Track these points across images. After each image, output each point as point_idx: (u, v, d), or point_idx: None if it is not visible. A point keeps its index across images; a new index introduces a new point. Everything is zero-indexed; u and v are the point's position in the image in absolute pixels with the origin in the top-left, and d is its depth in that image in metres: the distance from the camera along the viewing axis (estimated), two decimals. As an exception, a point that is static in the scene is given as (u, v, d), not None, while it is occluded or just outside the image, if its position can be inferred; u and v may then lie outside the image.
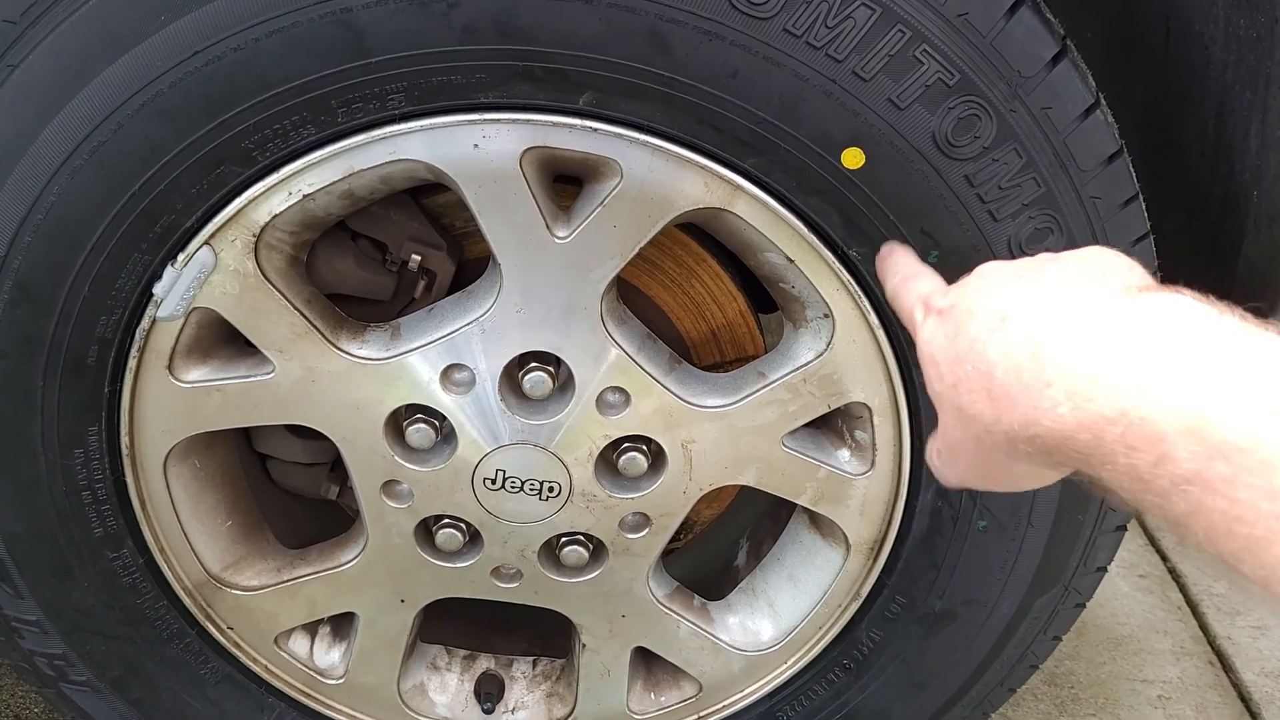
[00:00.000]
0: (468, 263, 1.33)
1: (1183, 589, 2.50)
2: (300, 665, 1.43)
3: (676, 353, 1.33)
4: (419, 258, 1.27)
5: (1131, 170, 1.16)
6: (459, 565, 1.36)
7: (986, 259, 1.09)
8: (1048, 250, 1.10)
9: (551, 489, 1.29)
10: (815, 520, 1.40)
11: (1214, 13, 1.26)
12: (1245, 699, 2.19)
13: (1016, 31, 1.06)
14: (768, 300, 1.42)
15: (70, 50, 1.02)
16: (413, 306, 1.30)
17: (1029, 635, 1.39)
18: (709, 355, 1.41)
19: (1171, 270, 1.40)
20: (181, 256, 1.13)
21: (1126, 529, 1.36)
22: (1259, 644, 2.33)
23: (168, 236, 1.12)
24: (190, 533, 1.32)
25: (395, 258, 1.28)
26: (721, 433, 1.27)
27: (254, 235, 1.14)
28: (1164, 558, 2.61)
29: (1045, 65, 1.08)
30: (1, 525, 1.24)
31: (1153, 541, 2.66)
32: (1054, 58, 1.08)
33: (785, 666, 1.44)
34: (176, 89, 1.03)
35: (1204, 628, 2.38)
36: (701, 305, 1.38)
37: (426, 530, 1.35)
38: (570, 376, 1.24)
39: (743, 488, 1.55)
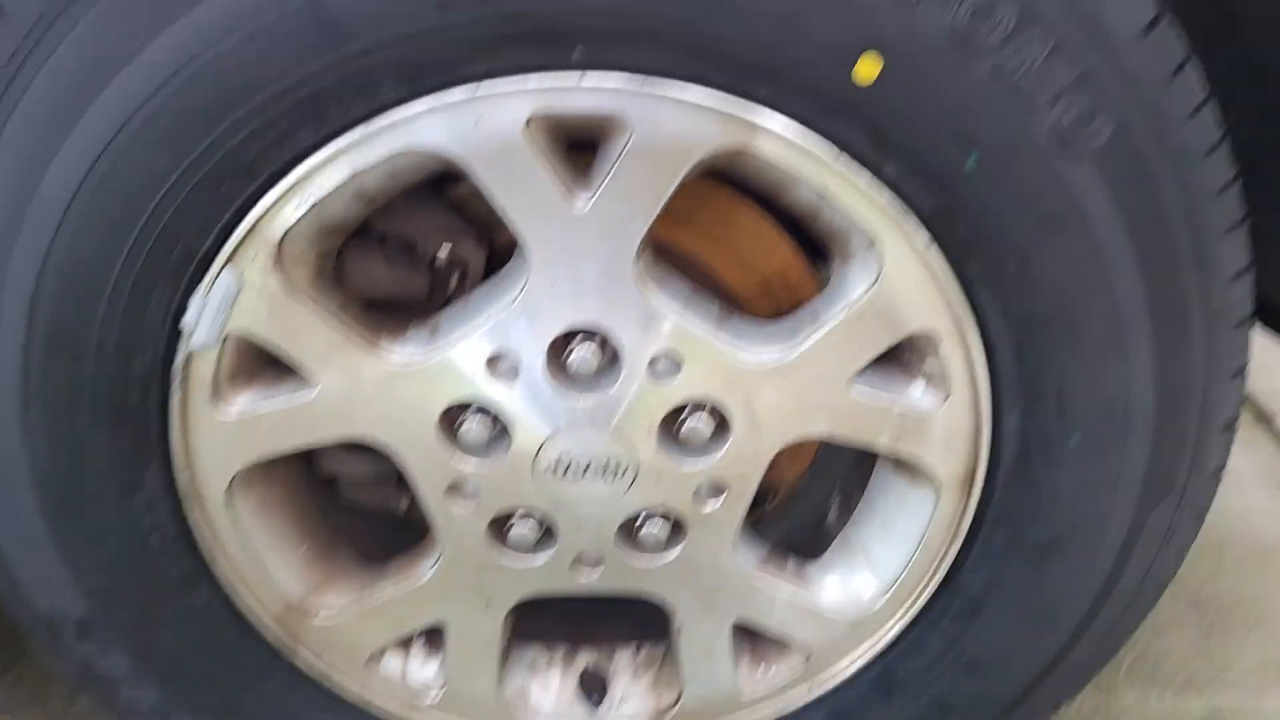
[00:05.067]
0: (499, 249, 1.29)
1: (1327, 492, 2.35)
2: (398, 684, 1.41)
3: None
4: (447, 248, 1.24)
5: (1177, 36, 1.06)
6: (537, 560, 1.32)
7: (1025, 163, 1.03)
8: (1096, 136, 1.03)
9: (617, 468, 1.24)
10: (900, 462, 1.33)
11: None
12: None
13: (1024, -97, 0.98)
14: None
15: (56, 92, 1.02)
16: (451, 301, 1.27)
17: (1149, 553, 1.30)
18: (764, 308, 1.35)
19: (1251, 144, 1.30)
20: (204, 282, 1.12)
21: (1237, 427, 1.26)
22: None
23: (187, 264, 1.10)
24: (266, 562, 1.31)
25: (425, 253, 1.25)
26: (784, 384, 1.21)
27: (274, 250, 1.12)
28: (1301, 462, 2.46)
29: (1062, -67, 1.00)
30: (78, 579, 1.24)
31: (1286, 446, 2.51)
32: (1067, -80, 1.00)
33: (894, 620, 1.37)
34: (165, 112, 1.01)
35: (1355, 529, 2.23)
36: (746, 255, 1.32)
37: (499, 528, 1.31)
38: (617, 347, 1.19)
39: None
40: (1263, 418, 2.61)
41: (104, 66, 1.00)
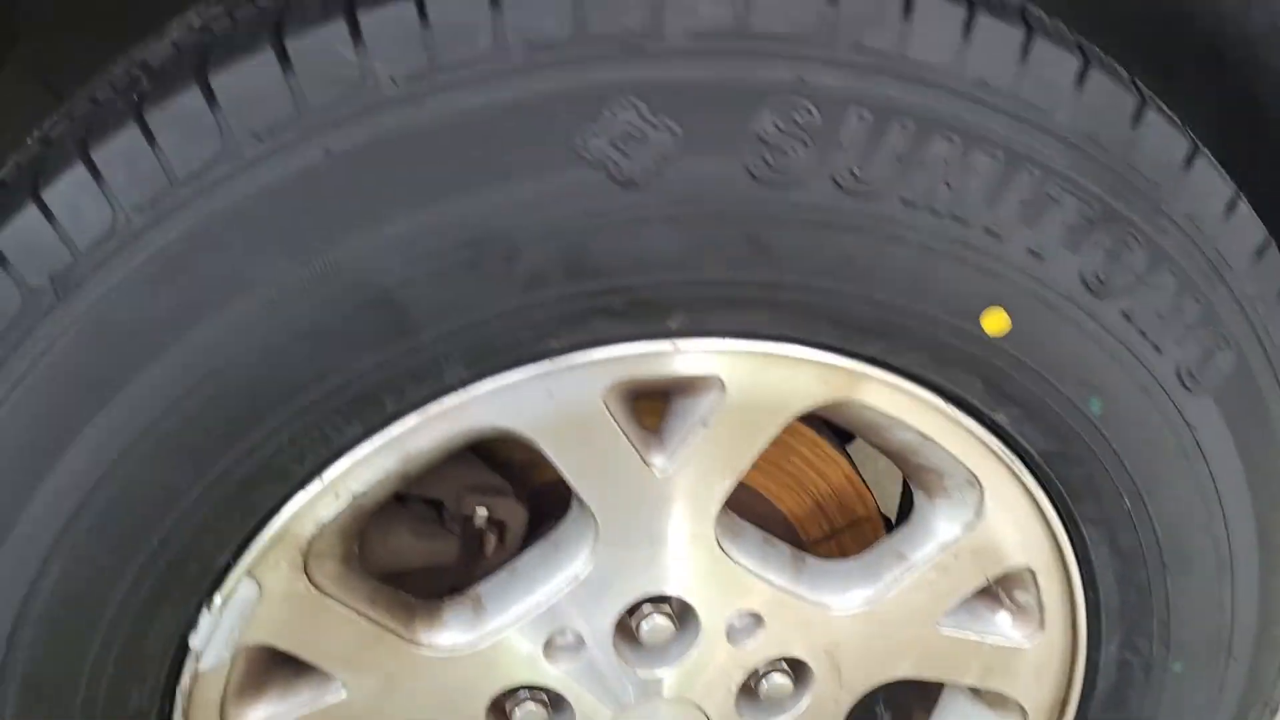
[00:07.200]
0: (539, 491, 1.14)
1: None
2: None
3: (781, 534, 1.16)
4: (485, 511, 1.08)
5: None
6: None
7: (1150, 404, 0.95)
8: (1218, 371, 0.96)
9: (690, 738, 1.10)
10: (977, 689, 1.23)
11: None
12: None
13: (1147, 139, 0.91)
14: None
15: (44, 404, 0.82)
16: (485, 560, 1.11)
17: (1235, 759, 1.24)
18: (816, 529, 1.24)
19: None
20: (219, 597, 0.93)
21: (1314, 621, 1.21)
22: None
23: (199, 582, 0.91)
24: None
25: (454, 514, 1.09)
26: (869, 630, 1.10)
27: (302, 551, 0.94)
28: None
29: (1181, 167, 0.93)
30: None
31: None
32: (1188, 157, 0.93)
33: None
34: (189, 423, 0.83)
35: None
36: (801, 479, 1.21)
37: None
38: (691, 612, 1.06)
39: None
40: None
41: (110, 371, 0.81)
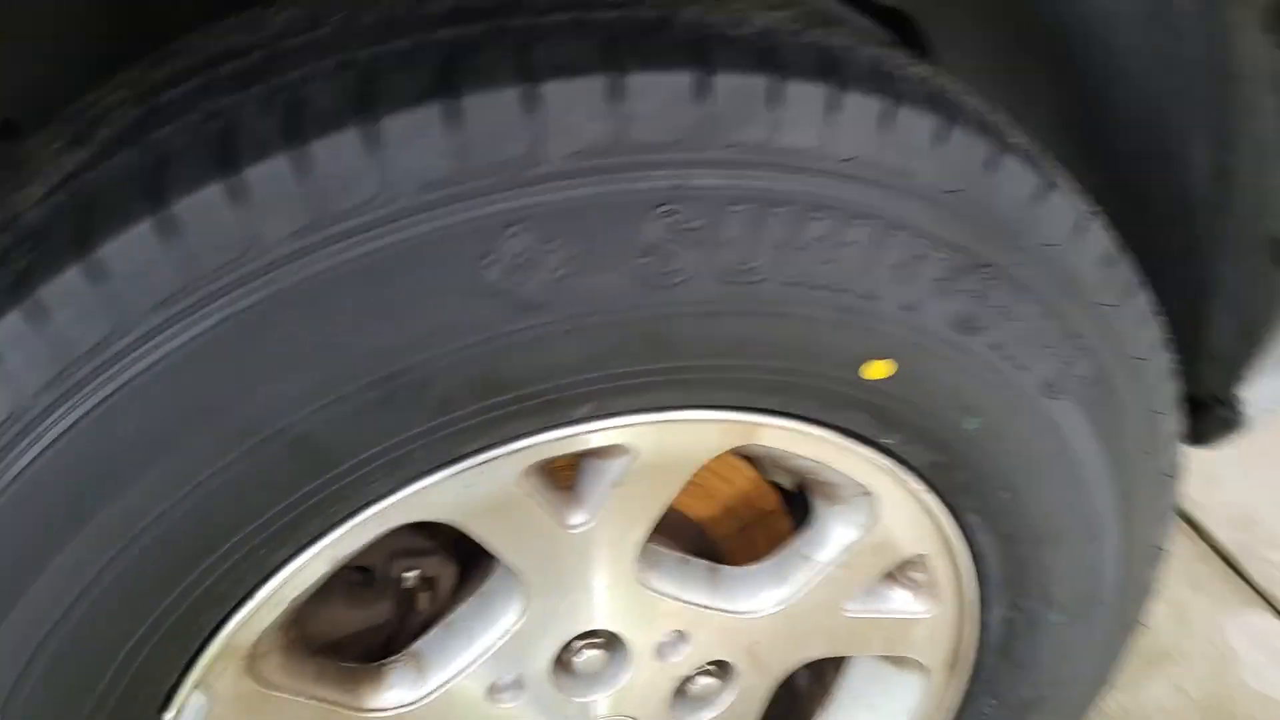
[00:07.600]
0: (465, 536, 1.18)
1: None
2: None
3: (693, 536, 1.24)
4: (415, 571, 1.12)
5: (1128, 258, 1.09)
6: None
7: (1020, 415, 1.03)
8: (1078, 377, 1.05)
9: (630, 746, 1.19)
10: (882, 651, 1.35)
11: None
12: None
13: (1002, 182, 0.97)
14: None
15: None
16: (419, 615, 1.16)
17: (1108, 673, 1.39)
18: (726, 527, 1.32)
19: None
20: (169, 713, 0.96)
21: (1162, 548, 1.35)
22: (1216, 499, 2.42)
23: (149, 706, 0.94)
24: None
25: (385, 577, 1.13)
26: (783, 625, 1.19)
27: (245, 656, 0.98)
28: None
29: (1032, 201, 0.99)
30: None
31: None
32: (1039, 190, 0.99)
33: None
34: (122, 580, 0.85)
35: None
36: (707, 487, 1.28)
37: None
38: (620, 640, 1.13)
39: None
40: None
41: (34, 546, 0.82)
